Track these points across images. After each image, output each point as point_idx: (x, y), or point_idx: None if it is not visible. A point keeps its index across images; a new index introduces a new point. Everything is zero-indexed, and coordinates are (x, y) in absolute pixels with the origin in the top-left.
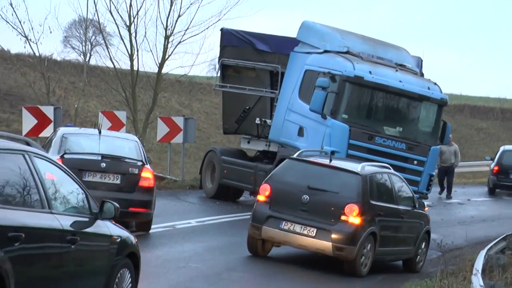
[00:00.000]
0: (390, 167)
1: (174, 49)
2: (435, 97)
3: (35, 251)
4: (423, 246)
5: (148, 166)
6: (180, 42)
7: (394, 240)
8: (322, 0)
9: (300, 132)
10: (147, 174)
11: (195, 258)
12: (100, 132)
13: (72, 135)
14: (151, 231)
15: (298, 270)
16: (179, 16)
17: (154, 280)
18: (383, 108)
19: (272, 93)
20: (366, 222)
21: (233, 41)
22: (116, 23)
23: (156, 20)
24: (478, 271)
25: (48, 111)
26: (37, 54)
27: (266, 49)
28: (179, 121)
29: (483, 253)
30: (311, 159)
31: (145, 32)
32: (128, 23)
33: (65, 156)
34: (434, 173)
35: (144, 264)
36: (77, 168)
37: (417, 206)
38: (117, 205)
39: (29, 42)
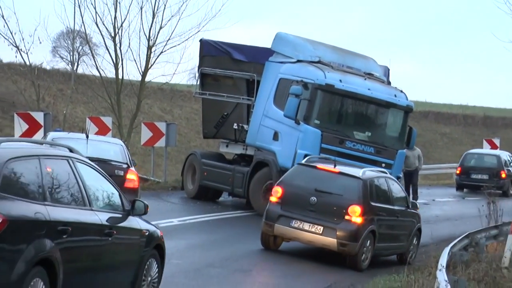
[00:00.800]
0: (386, 172)
1: (156, 59)
2: (402, 104)
3: (80, 243)
4: (415, 241)
5: (133, 168)
6: (162, 52)
7: (390, 237)
8: (294, 13)
9: (275, 136)
10: (132, 176)
11: (177, 254)
12: (87, 137)
13: (61, 139)
14: None
15: (274, 266)
16: (160, 27)
17: None
18: (352, 114)
19: (249, 100)
20: (367, 221)
21: (211, 51)
22: (101, 34)
23: (140, 32)
24: (443, 266)
25: (39, 116)
26: (27, 63)
27: (243, 59)
28: (161, 126)
29: (447, 250)
30: (318, 165)
31: (129, 43)
32: (113, 34)
33: None
34: (401, 175)
35: None
36: None
37: (410, 206)
38: (146, 203)
39: (20, 52)
